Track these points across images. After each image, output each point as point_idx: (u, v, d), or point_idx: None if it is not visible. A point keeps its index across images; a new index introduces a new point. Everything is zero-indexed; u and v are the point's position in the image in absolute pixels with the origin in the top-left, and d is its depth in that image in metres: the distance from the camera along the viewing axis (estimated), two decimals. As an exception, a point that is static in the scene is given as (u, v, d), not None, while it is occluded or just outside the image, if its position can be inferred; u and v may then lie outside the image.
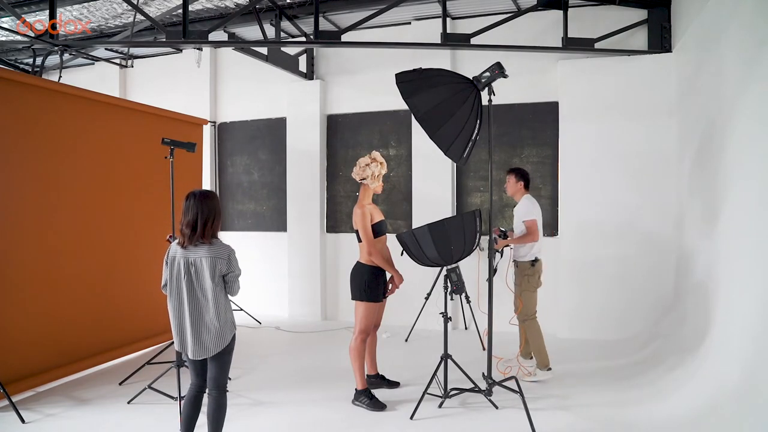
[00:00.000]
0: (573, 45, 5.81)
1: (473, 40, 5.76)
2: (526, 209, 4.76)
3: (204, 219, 3.08)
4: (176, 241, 3.18)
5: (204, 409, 3.24)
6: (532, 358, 5.06)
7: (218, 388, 3.19)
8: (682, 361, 4.47)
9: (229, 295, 3.20)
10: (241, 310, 7.38)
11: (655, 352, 5.12)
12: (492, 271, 4.41)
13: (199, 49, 7.65)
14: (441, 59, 6.61)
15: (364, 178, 4.27)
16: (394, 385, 4.67)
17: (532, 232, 4.67)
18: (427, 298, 6.22)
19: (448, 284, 4.15)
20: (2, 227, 4.37)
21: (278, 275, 7.65)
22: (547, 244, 5.35)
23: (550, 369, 4.67)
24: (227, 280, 3.15)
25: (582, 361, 4.80)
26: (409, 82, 3.89)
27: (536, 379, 4.62)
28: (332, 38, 5.79)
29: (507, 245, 4.75)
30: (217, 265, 3.07)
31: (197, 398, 3.25)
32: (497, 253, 4.74)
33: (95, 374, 5.10)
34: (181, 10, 5.73)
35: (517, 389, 3.87)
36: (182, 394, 4.07)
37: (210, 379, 3.19)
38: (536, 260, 4.74)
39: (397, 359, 5.42)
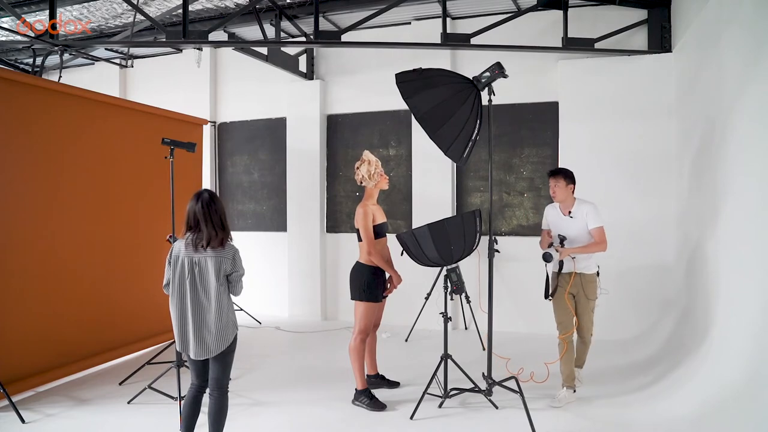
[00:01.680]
0: (573, 45, 5.81)
1: (473, 40, 5.76)
2: (595, 215, 4.19)
3: (219, 220, 3.11)
4: (180, 240, 3.16)
5: (204, 409, 3.24)
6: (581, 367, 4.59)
7: (220, 389, 3.18)
8: (682, 361, 4.47)
9: (231, 295, 3.21)
10: (241, 310, 7.38)
11: (655, 352, 5.12)
12: (550, 289, 4.27)
13: (199, 49, 7.65)
14: (441, 59, 6.61)
15: (361, 181, 4.29)
16: (394, 385, 4.67)
17: (600, 241, 4.16)
18: (427, 298, 6.22)
19: (448, 284, 4.15)
20: (2, 227, 4.37)
21: (278, 275, 7.65)
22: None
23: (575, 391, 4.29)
24: (231, 279, 3.16)
25: (582, 361, 4.80)
26: (409, 82, 3.90)
27: (568, 401, 4.17)
28: (332, 38, 5.79)
29: (570, 255, 4.19)
30: (222, 264, 3.08)
31: (197, 399, 3.25)
32: (550, 263, 4.20)
33: (95, 374, 5.10)
34: (181, 10, 5.73)
35: (517, 389, 3.87)
36: (182, 394, 4.08)
37: (212, 379, 3.18)
38: (598, 269, 4.35)
39: (397, 359, 5.42)
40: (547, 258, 4.15)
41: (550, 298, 4.31)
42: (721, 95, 4.36)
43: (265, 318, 7.35)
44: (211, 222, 3.06)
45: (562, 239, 4.21)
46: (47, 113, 4.72)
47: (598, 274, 4.33)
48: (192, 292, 3.08)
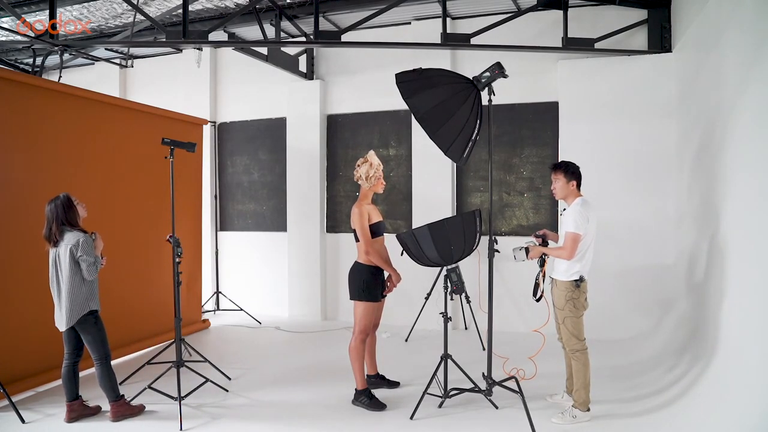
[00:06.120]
0: (573, 45, 5.81)
1: (473, 40, 5.76)
2: (575, 218, 3.78)
3: (53, 218, 3.82)
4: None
5: None
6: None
7: (95, 359, 3.97)
8: (682, 361, 4.48)
9: (87, 278, 3.82)
10: (242, 310, 7.39)
11: (655, 352, 5.12)
12: (537, 291, 4.01)
13: (199, 49, 7.65)
14: (441, 59, 6.61)
15: (358, 179, 4.30)
16: (394, 385, 4.67)
17: (565, 247, 3.79)
18: (427, 298, 6.22)
19: (448, 284, 4.15)
20: (2, 227, 4.37)
21: (278, 275, 7.66)
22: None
23: (589, 410, 3.90)
24: (79, 263, 3.79)
25: (582, 361, 4.79)
26: (409, 82, 3.90)
27: (576, 422, 3.84)
28: (332, 38, 5.79)
29: (542, 255, 3.98)
30: (70, 248, 3.78)
31: (69, 368, 4.02)
32: (518, 260, 3.96)
33: (95, 374, 5.09)
34: (181, 10, 5.73)
35: (517, 389, 3.87)
36: (182, 394, 4.09)
37: (89, 351, 3.97)
38: (581, 280, 3.85)
39: (397, 359, 5.42)
40: (515, 254, 3.94)
41: (537, 300, 4.06)
42: (721, 95, 4.36)
43: (265, 318, 7.36)
44: (55, 221, 3.81)
45: (543, 239, 4.09)
46: (47, 113, 4.72)
47: (578, 285, 3.85)
48: (56, 275, 3.85)
